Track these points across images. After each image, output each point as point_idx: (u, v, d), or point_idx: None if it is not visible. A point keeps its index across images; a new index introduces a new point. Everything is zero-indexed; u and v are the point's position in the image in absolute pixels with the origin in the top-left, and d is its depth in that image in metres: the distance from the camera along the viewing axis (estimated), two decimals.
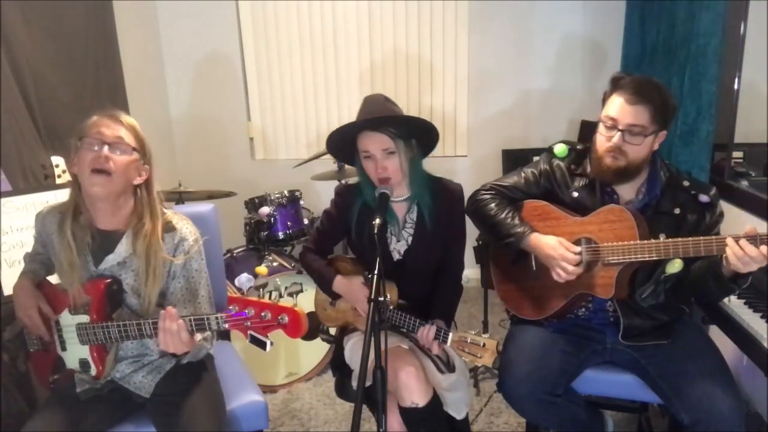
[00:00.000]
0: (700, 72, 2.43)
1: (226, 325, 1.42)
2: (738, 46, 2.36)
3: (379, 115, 1.73)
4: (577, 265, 1.65)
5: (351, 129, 1.75)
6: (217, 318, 1.44)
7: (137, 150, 1.55)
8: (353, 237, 1.91)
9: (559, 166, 1.82)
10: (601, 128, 1.68)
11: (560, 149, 1.83)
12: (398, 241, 1.86)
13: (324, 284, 1.91)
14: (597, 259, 1.67)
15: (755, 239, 1.41)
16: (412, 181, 1.82)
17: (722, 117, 2.44)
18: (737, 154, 2.51)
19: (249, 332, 1.40)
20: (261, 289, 1.43)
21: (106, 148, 1.49)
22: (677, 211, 1.68)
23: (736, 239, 1.43)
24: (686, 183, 1.71)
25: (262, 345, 1.40)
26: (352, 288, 1.84)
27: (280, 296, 1.42)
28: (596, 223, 1.68)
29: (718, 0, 2.33)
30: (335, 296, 1.92)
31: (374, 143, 1.72)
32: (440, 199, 1.85)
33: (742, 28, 2.34)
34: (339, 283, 1.87)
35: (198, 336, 1.54)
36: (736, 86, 2.39)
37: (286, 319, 1.36)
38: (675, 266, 1.62)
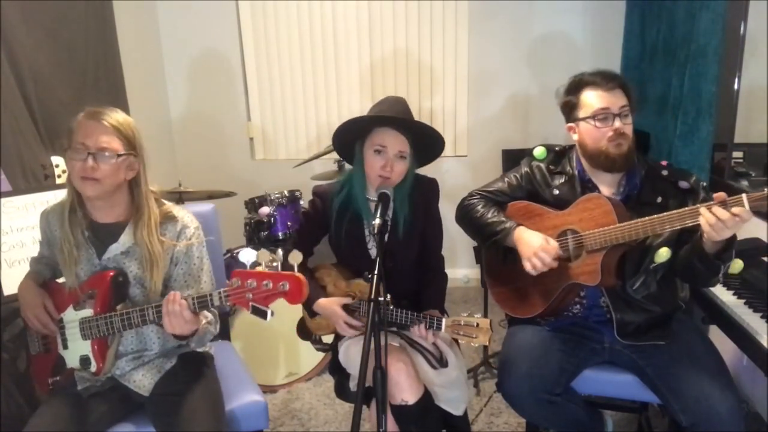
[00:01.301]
0: (700, 72, 2.43)
1: (229, 300, 1.44)
2: (738, 46, 2.36)
3: (409, 119, 1.74)
4: (555, 259, 1.69)
5: (382, 120, 1.74)
6: (219, 293, 1.46)
7: (124, 151, 1.54)
8: (332, 237, 1.91)
9: (539, 167, 1.88)
10: (591, 125, 1.72)
11: (539, 152, 1.91)
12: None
13: (306, 302, 1.86)
14: (581, 248, 1.71)
15: (725, 204, 1.45)
16: (399, 187, 1.81)
17: (722, 117, 2.44)
18: (737, 154, 2.51)
19: (250, 303, 1.41)
20: (263, 262, 1.42)
21: (90, 159, 1.50)
22: (659, 200, 1.72)
23: (708, 207, 1.47)
24: (665, 172, 1.77)
25: (263, 315, 1.40)
26: (336, 316, 1.80)
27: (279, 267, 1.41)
28: (576, 213, 1.74)
29: (718, 0, 2.33)
30: (314, 314, 1.90)
31: (394, 141, 1.72)
32: (417, 196, 1.85)
33: (742, 28, 2.34)
34: (321, 306, 1.83)
35: (202, 320, 1.57)
36: (736, 86, 2.39)
37: (288, 285, 1.37)
38: (662, 255, 1.67)
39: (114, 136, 1.53)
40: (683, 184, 1.72)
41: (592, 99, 1.72)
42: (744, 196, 1.43)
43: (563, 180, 1.83)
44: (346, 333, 1.80)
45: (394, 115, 1.74)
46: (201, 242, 1.69)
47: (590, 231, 1.69)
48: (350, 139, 1.81)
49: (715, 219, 1.45)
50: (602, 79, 1.71)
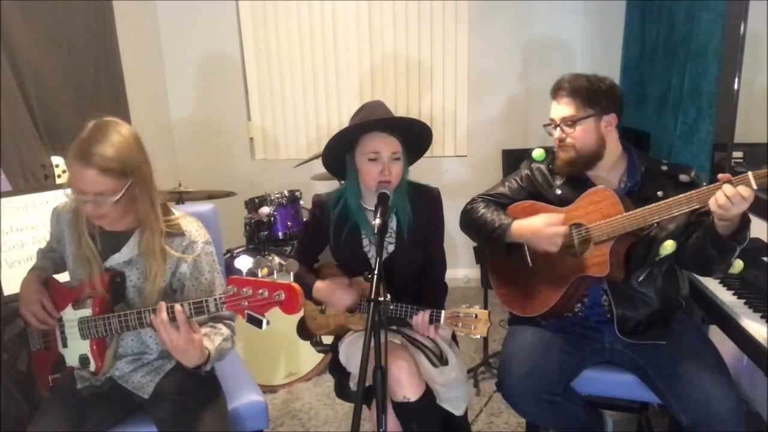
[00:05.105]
0: (700, 72, 2.44)
1: (224, 307, 1.42)
2: (738, 46, 2.36)
3: (397, 118, 1.73)
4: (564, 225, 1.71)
5: (366, 127, 1.72)
6: (215, 300, 1.44)
7: (123, 187, 1.47)
8: (332, 246, 1.91)
9: (539, 169, 1.90)
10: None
11: (538, 153, 1.94)
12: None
13: (305, 291, 1.88)
14: (589, 240, 1.72)
15: (731, 182, 1.48)
16: (396, 192, 1.79)
17: (722, 117, 2.44)
18: (737, 154, 2.51)
19: (246, 312, 1.40)
20: (259, 269, 1.43)
21: (90, 205, 1.46)
22: (660, 194, 1.72)
23: (716, 188, 1.49)
24: (665, 167, 1.79)
25: (258, 323, 1.39)
26: (333, 291, 1.81)
27: (274, 274, 1.41)
28: (582, 207, 1.76)
29: (718, 0, 2.34)
30: (318, 302, 1.90)
31: (386, 145, 1.71)
32: (419, 205, 1.84)
33: (742, 28, 2.34)
34: (318, 289, 1.84)
35: (218, 339, 1.56)
36: (736, 86, 2.39)
37: (283, 295, 1.36)
38: (667, 248, 1.68)
39: (107, 178, 1.43)
40: (684, 178, 1.73)
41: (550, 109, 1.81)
42: (750, 174, 1.46)
43: (564, 180, 1.84)
44: (345, 304, 1.80)
45: (379, 119, 1.72)
46: (210, 256, 1.65)
47: (597, 222, 1.70)
48: (339, 153, 1.80)
49: (723, 196, 1.46)
50: (555, 90, 1.79)
